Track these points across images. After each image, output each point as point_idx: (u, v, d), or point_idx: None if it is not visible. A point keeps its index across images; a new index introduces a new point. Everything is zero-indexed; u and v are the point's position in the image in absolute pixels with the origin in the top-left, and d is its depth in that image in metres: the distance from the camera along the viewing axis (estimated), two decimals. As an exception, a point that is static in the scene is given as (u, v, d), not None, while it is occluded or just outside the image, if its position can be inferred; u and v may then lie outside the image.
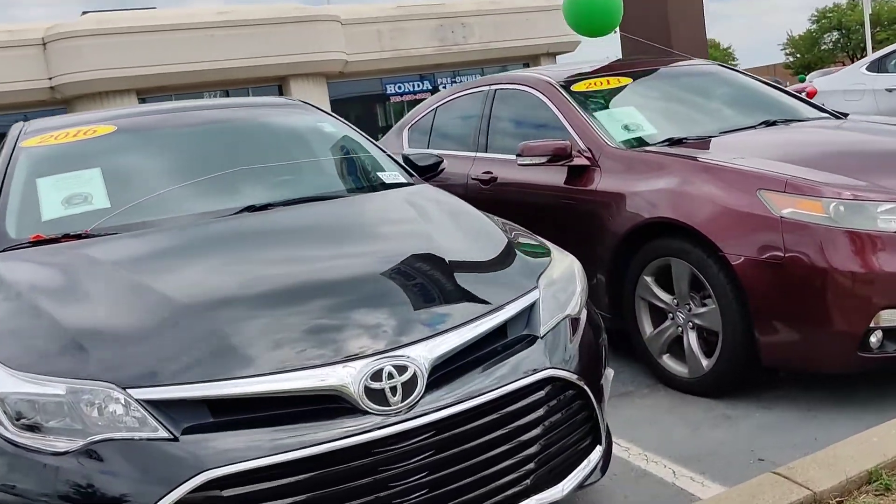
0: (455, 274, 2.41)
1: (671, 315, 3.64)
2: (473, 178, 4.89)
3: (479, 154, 4.98)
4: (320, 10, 22.60)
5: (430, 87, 24.53)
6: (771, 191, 3.23)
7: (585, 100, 4.44)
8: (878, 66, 8.31)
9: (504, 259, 2.57)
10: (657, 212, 3.59)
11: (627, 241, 3.75)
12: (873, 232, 3.04)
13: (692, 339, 3.54)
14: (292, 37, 21.49)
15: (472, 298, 2.30)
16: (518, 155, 4.28)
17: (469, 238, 2.70)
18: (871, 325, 3.03)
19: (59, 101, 20.52)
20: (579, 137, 4.19)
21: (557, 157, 4.14)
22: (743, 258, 3.23)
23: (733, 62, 73.54)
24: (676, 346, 3.64)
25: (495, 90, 5.06)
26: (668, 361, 3.69)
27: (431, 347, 2.09)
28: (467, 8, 24.49)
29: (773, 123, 4.27)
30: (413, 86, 24.80)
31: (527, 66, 27.01)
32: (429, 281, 2.39)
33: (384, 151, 3.76)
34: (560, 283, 2.56)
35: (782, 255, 3.13)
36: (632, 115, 4.32)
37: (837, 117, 4.59)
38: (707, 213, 3.39)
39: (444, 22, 24.06)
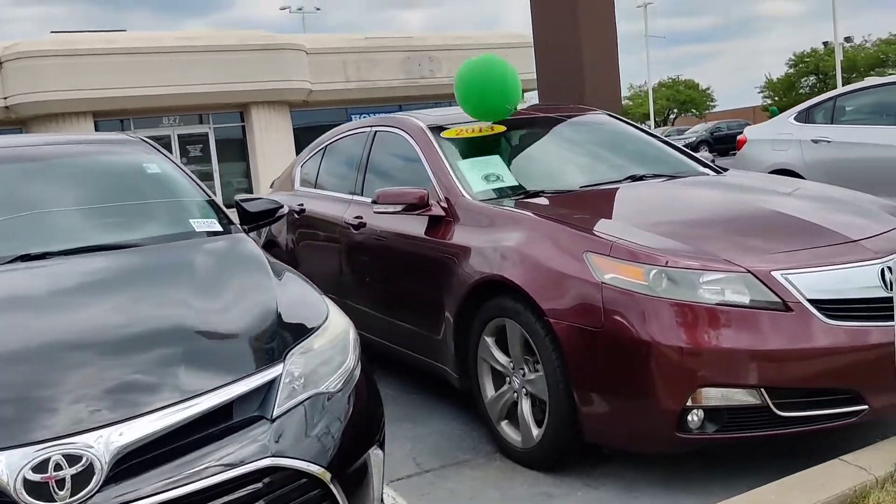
0: (190, 348, 2.19)
1: (508, 379, 3.44)
2: (346, 223, 4.69)
3: (355, 197, 4.78)
4: (285, 39, 22.55)
5: (396, 119, 24.41)
6: (596, 254, 3.05)
7: (453, 147, 4.26)
8: (806, 117, 8.21)
9: (258, 329, 2.35)
10: (493, 269, 3.40)
11: (471, 298, 3.55)
12: (694, 303, 2.84)
13: (525, 406, 3.33)
14: (255, 64, 21.38)
15: (193, 376, 2.08)
16: (373, 202, 4.09)
17: (231, 304, 2.47)
18: (690, 403, 2.82)
19: (13, 121, 20.25)
20: (439, 186, 4.01)
21: (413, 206, 3.95)
22: (565, 324, 3.04)
23: (711, 103, 74.47)
24: (515, 413, 3.43)
25: (375, 132, 4.88)
26: (505, 428, 3.47)
27: (118, 434, 1.87)
28: (435, 42, 24.53)
29: (641, 178, 4.11)
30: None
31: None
32: (152, 355, 2.16)
33: (208, 197, 3.55)
34: (322, 354, 2.35)
35: (601, 323, 2.94)
36: (496, 165, 4.14)
37: (717, 172, 4.44)
38: (535, 273, 3.20)
39: (412, 55, 24.07)
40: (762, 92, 65.53)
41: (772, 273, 2.87)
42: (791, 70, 64.15)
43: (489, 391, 3.56)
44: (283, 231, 5.65)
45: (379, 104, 24.18)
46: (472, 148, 4.32)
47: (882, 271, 2.95)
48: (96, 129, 21.34)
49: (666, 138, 4.94)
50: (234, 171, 23.00)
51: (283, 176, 6.19)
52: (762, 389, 2.78)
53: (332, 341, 2.42)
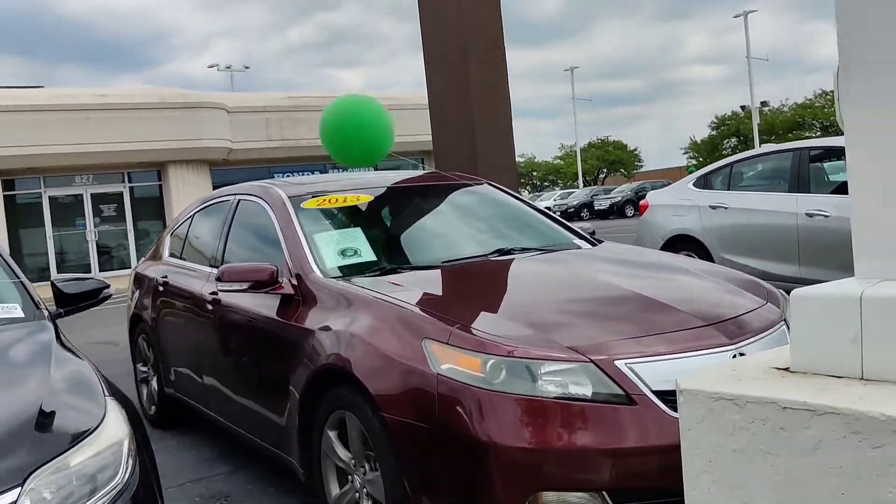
0: None
1: (351, 477, 3.13)
2: (203, 298, 4.37)
3: (213, 271, 4.47)
4: (204, 97, 22.21)
5: (320, 178, 24.20)
6: (435, 341, 2.79)
7: (313, 218, 4.01)
8: (704, 183, 8.25)
9: (3, 443, 2.01)
10: (332, 356, 3.13)
11: (312, 388, 3.26)
12: (533, 397, 2.60)
13: (367, 508, 3.02)
14: (173, 122, 20.94)
15: None
16: (218, 279, 3.79)
17: None
18: (529, 508, 2.56)
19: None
20: (291, 262, 3.73)
21: (262, 283, 3.66)
22: (399, 419, 2.76)
23: (639, 163, 76.51)
24: (361, 514, 3.12)
25: (238, 200, 4.60)
26: (350, 531, 3.15)
27: None
28: None
29: (508, 252, 3.90)
30: (302, 174, 24.43)
31: (422, 161, 27.07)
32: None
33: (17, 279, 3.20)
34: (83, 471, 2.01)
35: (435, 419, 2.67)
36: (356, 238, 3.90)
37: (592, 244, 4.28)
38: (373, 362, 2.93)
39: None
40: (686, 153, 67.66)
41: (615, 362, 2.66)
42: (714, 132, 66.50)
43: (333, 489, 3.25)
44: (147, 305, 5.29)
45: (302, 163, 23.93)
46: (334, 220, 4.08)
47: (734, 357, 2.76)
48: (6, 189, 20.54)
49: (544, 209, 4.78)
50: (151, 231, 22.35)
51: (156, 245, 5.84)
52: (604, 493, 2.54)
53: (100, 454, 2.09)
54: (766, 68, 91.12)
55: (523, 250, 3.95)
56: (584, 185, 56.84)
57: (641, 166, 75.71)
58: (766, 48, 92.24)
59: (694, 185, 8.36)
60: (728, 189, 7.97)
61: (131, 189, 22.17)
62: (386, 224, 4.25)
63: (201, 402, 4.56)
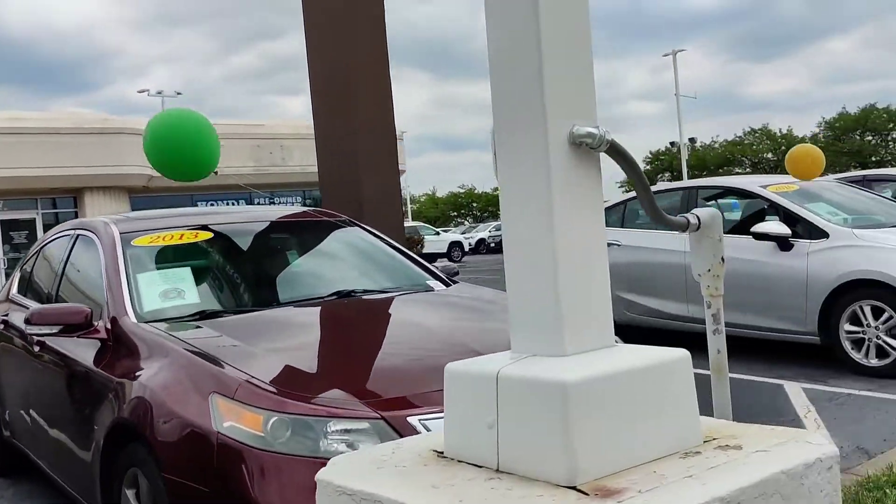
0: None
1: (145, 543, 2.88)
2: (31, 337, 4.07)
3: (46, 310, 4.18)
4: (123, 122, 21.69)
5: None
6: (222, 395, 2.59)
7: (143, 256, 3.77)
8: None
9: None
10: (126, 409, 2.89)
11: (111, 442, 3.01)
12: (317, 458, 2.41)
13: (155, 576, 2.77)
14: (90, 148, 20.37)
15: None
16: (27, 322, 3.52)
17: None
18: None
19: None
20: (110, 303, 3.49)
21: (75, 326, 3.41)
22: (179, 480, 2.54)
23: (577, 196, 77.34)
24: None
25: (77, 235, 4.34)
26: None
27: None
28: (287, 130, 24.22)
29: (348, 294, 3.72)
30: (227, 204, 23.99)
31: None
32: None
33: None
34: None
35: (212, 481, 2.46)
36: (183, 278, 3.67)
37: (447, 285, 4.13)
38: (160, 417, 2.71)
39: (262, 143, 23.63)
40: (622, 187, 68.74)
41: (408, 419, 2.49)
42: (648, 167, 67.87)
43: (132, 553, 2.99)
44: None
45: (226, 191, 23.53)
46: (166, 258, 3.85)
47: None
48: None
49: (405, 249, 4.62)
50: (66, 259, 21.61)
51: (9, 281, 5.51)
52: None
53: None
54: (701, 106, 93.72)
55: (365, 292, 3.78)
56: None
57: (578, 199, 76.47)
58: (702, 87, 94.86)
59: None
60: (622, 226, 7.96)
61: (44, 216, 21.44)
62: (223, 263, 4.03)
63: (31, 448, 4.26)
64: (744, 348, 7.02)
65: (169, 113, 4.28)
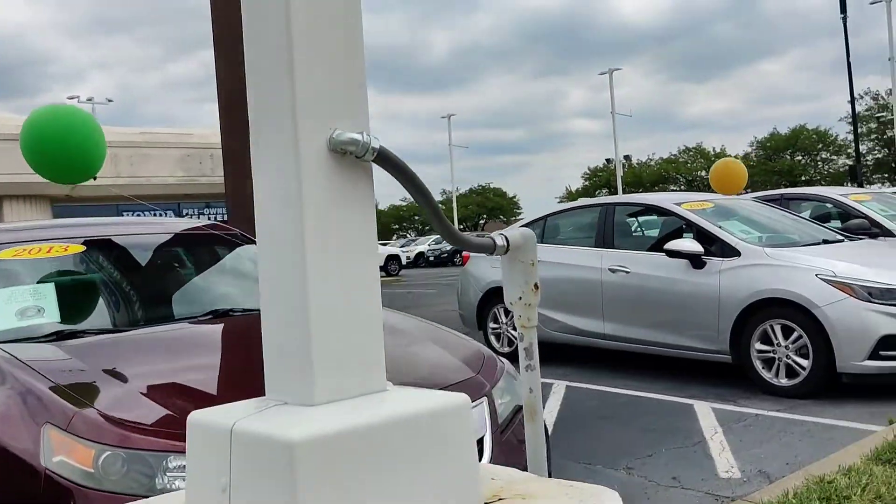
0: None
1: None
2: None
3: None
4: (47, 129, 20.95)
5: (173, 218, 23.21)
6: (55, 426, 2.34)
7: (6, 271, 3.49)
8: (520, 235, 8.14)
9: None
10: (-45, 442, 2.61)
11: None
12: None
13: None
14: (10, 155, 19.55)
15: None
16: None
17: None
18: None
19: None
20: (-40, 322, 3.19)
21: (-83, 348, 3.10)
22: (2, 525, 2.29)
23: (517, 211, 78.03)
24: None
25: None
26: None
27: None
28: (216, 140, 23.65)
29: (225, 314, 3.49)
30: (153, 215, 23.36)
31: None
32: None
33: None
34: None
35: (36, 527, 2.22)
36: (43, 296, 3.39)
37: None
38: (-11, 452, 2.44)
39: (192, 152, 23.07)
40: (561, 202, 69.47)
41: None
42: (587, 182, 68.77)
43: None
44: None
45: (153, 201, 22.86)
46: (30, 272, 3.56)
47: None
48: None
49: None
50: (-18, 270, 20.69)
51: None
52: None
53: None
54: (641, 124, 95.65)
55: (245, 311, 3.55)
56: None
57: (520, 213, 77.20)
58: (641, 105, 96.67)
59: (511, 237, 8.23)
60: (542, 242, 7.87)
61: (-41, 224, 20.53)
62: (93, 279, 3.76)
63: None
64: (657, 367, 6.98)
65: (47, 109, 3.98)
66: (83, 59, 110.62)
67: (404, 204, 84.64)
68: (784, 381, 5.84)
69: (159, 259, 3.95)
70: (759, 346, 5.96)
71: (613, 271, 6.95)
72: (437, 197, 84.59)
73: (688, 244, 6.35)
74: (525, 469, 2.77)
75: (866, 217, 8.10)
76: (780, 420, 5.22)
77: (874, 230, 7.95)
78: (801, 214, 8.28)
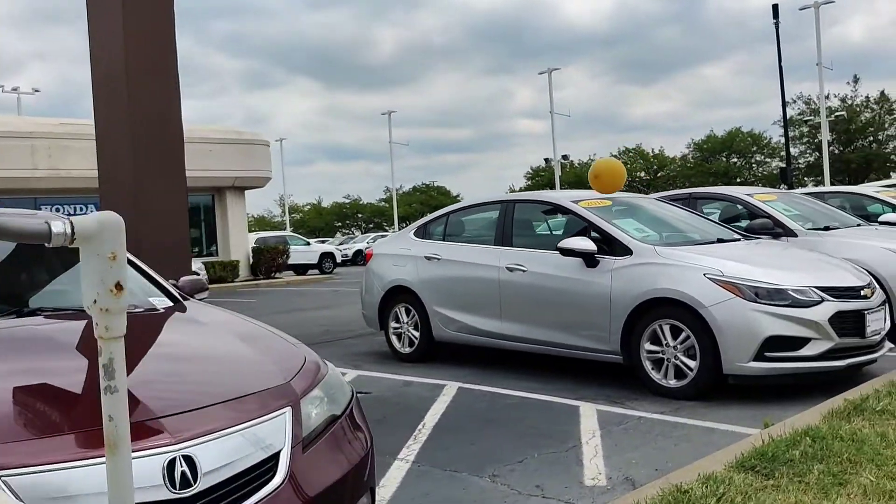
0: None
1: None
2: None
3: None
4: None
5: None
6: None
7: None
8: (424, 232, 7.91)
9: None
10: None
11: None
12: None
13: None
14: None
15: None
16: None
17: None
18: None
19: None
20: None
21: None
22: None
23: (460, 208, 77.94)
24: None
25: None
26: None
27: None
28: (66, 130, 22.65)
29: (31, 313, 3.17)
30: (75, 209, 22.58)
31: (213, 197, 25.85)
32: None
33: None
34: None
35: None
36: None
37: (177, 304, 3.63)
38: None
39: (38, 143, 22.10)
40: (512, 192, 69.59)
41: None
42: (529, 182, 69.08)
43: None
44: None
45: (73, 194, 22.12)
46: None
47: (171, 463, 2.15)
48: None
49: (137, 262, 4.09)
50: None
51: None
52: None
53: None
54: (588, 125, 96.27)
55: (56, 311, 3.23)
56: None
57: (462, 211, 77.06)
58: (587, 107, 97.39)
59: (414, 234, 8.01)
60: (444, 239, 7.67)
61: None
62: None
63: None
64: (557, 368, 6.83)
65: None
66: (22, 49, 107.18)
67: (347, 201, 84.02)
68: (672, 383, 5.73)
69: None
70: (648, 346, 5.85)
71: (511, 270, 6.78)
72: (380, 195, 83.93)
73: (580, 242, 6.20)
74: (336, 483, 2.53)
75: (770, 217, 8.09)
76: (661, 423, 5.09)
77: (777, 230, 7.93)
78: (705, 214, 8.23)
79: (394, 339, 7.87)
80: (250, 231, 31.45)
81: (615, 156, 65.19)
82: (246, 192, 26.24)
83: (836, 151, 53.70)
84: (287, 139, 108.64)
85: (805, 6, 31.77)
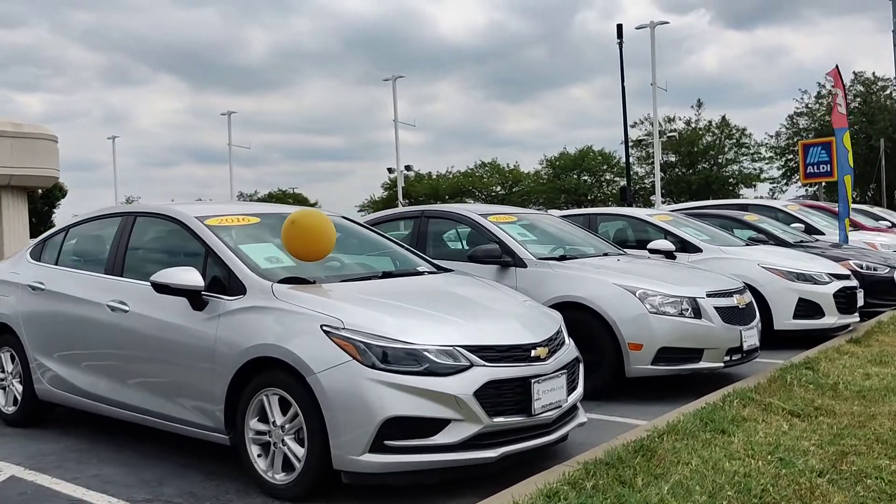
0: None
1: None
2: None
3: None
4: None
5: None
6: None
7: None
8: (40, 253, 5.94)
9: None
10: None
11: None
12: None
13: None
14: None
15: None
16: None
17: None
18: None
19: None
20: None
21: None
22: None
23: (317, 217, 75.31)
24: None
25: None
26: None
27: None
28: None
29: None
30: None
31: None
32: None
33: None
34: None
35: None
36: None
37: None
38: None
39: None
40: (362, 210, 67.80)
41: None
42: (386, 192, 67.39)
43: None
44: None
45: None
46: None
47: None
48: None
49: None
50: None
51: None
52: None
53: None
54: (460, 138, 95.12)
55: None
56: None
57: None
58: (460, 121, 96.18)
59: (31, 255, 6.04)
60: (56, 263, 5.76)
61: None
62: None
63: None
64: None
65: None
66: None
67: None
68: (279, 477, 4.06)
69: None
70: (255, 424, 4.17)
71: (113, 309, 4.94)
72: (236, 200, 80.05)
73: (180, 275, 4.43)
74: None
75: (500, 241, 6.65)
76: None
77: (505, 258, 6.51)
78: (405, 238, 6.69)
79: (-2, 393, 5.87)
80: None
81: (471, 169, 64.46)
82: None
83: (680, 173, 55.03)
84: (147, 139, 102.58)
85: (641, 25, 31.72)
